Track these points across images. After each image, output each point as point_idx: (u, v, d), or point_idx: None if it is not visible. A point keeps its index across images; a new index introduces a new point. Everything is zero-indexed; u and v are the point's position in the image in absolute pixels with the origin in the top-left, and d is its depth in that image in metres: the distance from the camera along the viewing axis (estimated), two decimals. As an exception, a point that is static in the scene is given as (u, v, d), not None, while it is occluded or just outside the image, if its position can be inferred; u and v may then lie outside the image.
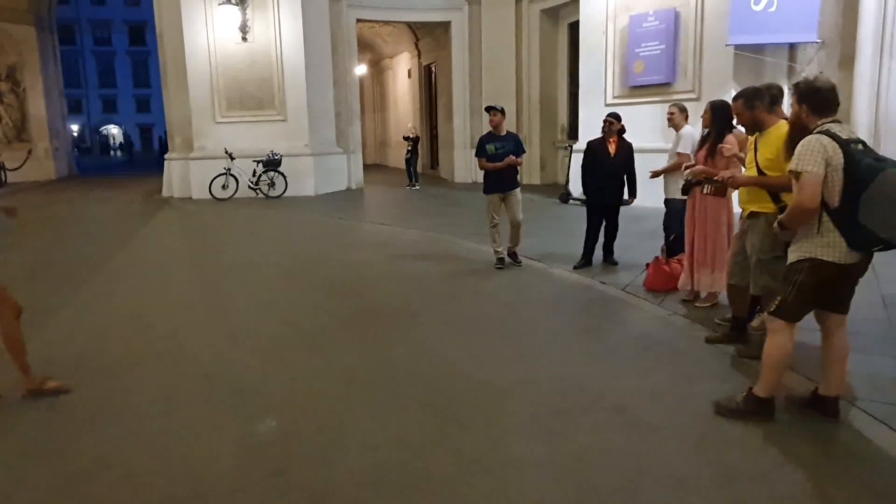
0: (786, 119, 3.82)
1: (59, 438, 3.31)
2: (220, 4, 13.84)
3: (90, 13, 52.14)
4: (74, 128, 43.24)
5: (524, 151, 7.11)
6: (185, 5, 13.99)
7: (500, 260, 6.98)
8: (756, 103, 3.79)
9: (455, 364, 4.26)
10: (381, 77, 26.02)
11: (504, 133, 6.94)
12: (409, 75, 22.25)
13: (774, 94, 4.08)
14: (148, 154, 47.00)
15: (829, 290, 3.22)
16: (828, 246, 3.07)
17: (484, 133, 7.11)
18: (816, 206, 3.02)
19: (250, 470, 2.97)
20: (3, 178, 19.72)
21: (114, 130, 57.43)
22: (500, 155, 6.79)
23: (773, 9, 9.11)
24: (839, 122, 3.15)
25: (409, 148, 15.88)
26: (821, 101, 3.19)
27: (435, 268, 7.21)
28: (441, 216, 11.04)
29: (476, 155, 7.11)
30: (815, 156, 2.99)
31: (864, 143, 3.07)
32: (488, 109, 7.00)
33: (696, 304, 5.32)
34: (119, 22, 53.51)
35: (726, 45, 9.57)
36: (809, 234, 3.12)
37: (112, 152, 55.13)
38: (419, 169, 16.67)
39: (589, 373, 4.07)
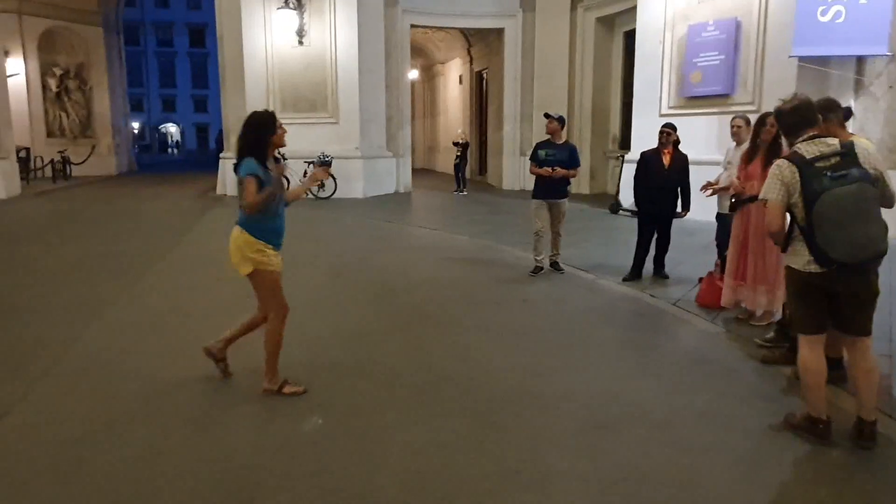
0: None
1: (115, 426, 3.41)
2: (278, 9, 14.16)
3: (154, 15, 54.11)
4: (135, 125, 44.86)
5: (578, 164, 6.99)
6: (245, 9, 14.36)
7: (537, 269, 6.99)
8: (830, 115, 3.65)
9: (498, 372, 4.22)
10: (432, 82, 26.19)
11: (561, 142, 6.90)
12: (461, 81, 22.33)
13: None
14: (203, 152, 48.44)
15: (817, 303, 3.23)
16: (795, 254, 3.23)
17: (542, 140, 7.12)
18: (780, 229, 3.22)
19: (295, 467, 2.99)
20: (68, 171, 20.61)
21: (172, 129, 59.40)
22: (549, 162, 6.75)
23: (840, 20, 8.79)
24: (818, 136, 3.21)
25: (459, 153, 15.91)
26: (785, 123, 3.38)
27: (480, 274, 7.18)
28: (488, 223, 11.00)
29: (530, 159, 7.11)
30: (774, 183, 3.17)
31: (842, 156, 3.08)
32: (546, 116, 6.98)
33: (751, 323, 5.15)
34: (180, 24, 55.36)
35: (790, 57, 9.27)
36: (789, 244, 3.27)
37: (169, 150, 57.03)
38: (467, 175, 16.68)
39: (635, 387, 3.97)
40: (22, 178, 16.71)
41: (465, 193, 15.65)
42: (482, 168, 20.11)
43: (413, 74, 21.76)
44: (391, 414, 3.58)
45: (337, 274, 7.29)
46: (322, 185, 14.15)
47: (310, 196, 14.10)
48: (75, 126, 23.06)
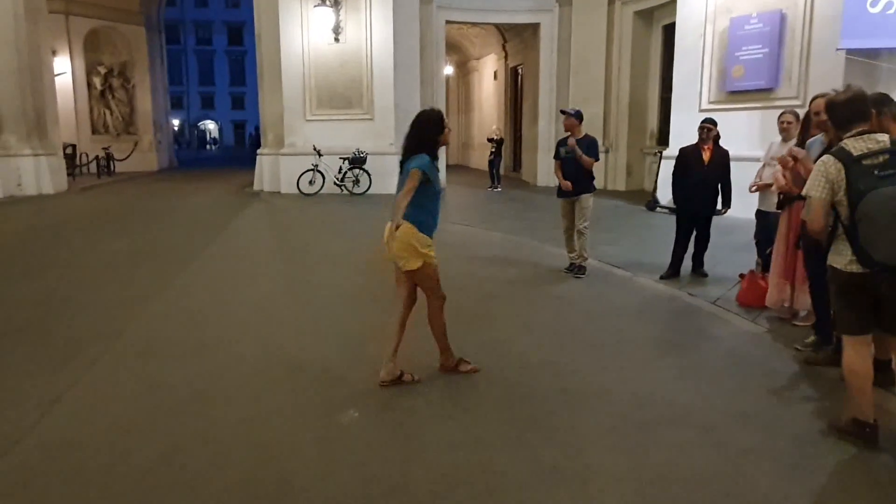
0: None
1: (158, 415, 3.51)
2: (315, 7, 14.29)
3: (194, 14, 55.19)
4: (175, 122, 45.79)
5: (596, 158, 6.79)
6: (282, 8, 14.53)
7: (572, 266, 6.87)
8: (883, 109, 3.54)
9: (533, 368, 4.21)
10: (466, 78, 26.14)
11: (580, 136, 6.76)
12: (495, 77, 22.24)
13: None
14: (240, 149, 49.29)
15: (861, 303, 3.14)
16: (837, 253, 3.17)
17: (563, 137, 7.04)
18: (822, 227, 3.15)
19: (333, 459, 3.04)
20: (112, 167, 21.19)
21: (210, 126, 60.57)
22: (568, 159, 6.69)
23: (892, 11, 8.48)
24: (868, 131, 3.11)
25: (493, 150, 15.86)
26: (837, 115, 3.27)
27: (515, 270, 7.16)
28: (522, 219, 10.95)
29: (554, 157, 7.06)
30: (819, 179, 3.10)
31: (892, 154, 2.99)
32: (562, 112, 6.97)
33: (794, 323, 5.02)
34: (219, 23, 56.35)
35: (837, 50, 8.99)
36: (832, 242, 3.20)
37: (207, 146, 58.16)
38: (501, 171, 16.61)
39: (674, 387, 3.92)
40: (68, 174, 17.23)
41: (500, 190, 15.60)
42: (516, 164, 20.01)
43: (448, 70, 21.75)
44: (426, 408, 3.60)
45: (367, 270, 7.33)
46: (357, 181, 14.27)
47: (344, 192, 14.25)
48: (119, 123, 23.68)
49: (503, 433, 3.30)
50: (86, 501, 2.71)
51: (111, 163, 21.17)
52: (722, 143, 6.56)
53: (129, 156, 22.50)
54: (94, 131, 23.01)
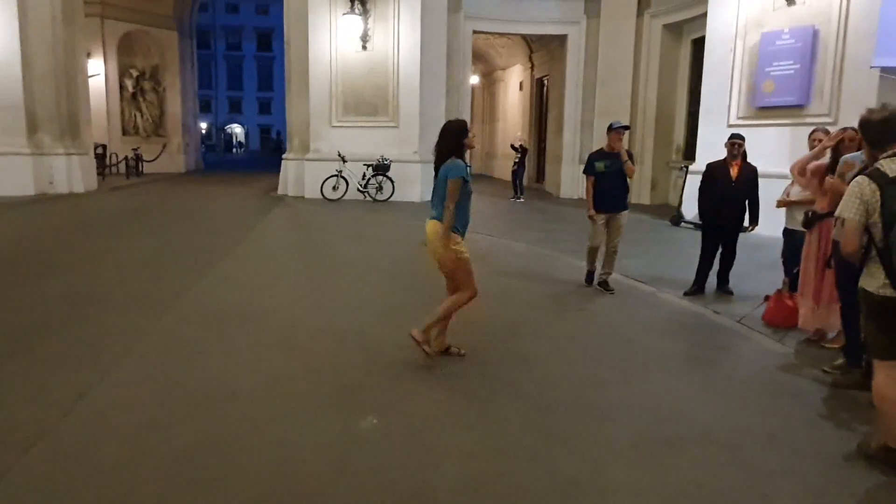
0: None
1: (179, 413, 3.54)
2: (344, 14, 14.44)
3: (224, 20, 56.04)
4: (203, 126, 46.48)
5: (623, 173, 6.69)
6: (312, 15, 14.70)
7: (590, 275, 6.76)
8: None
9: (555, 380, 4.18)
10: (492, 88, 26.20)
11: (617, 151, 6.59)
12: (521, 87, 22.26)
13: None
14: (266, 153, 49.89)
15: (893, 327, 3.07)
16: (870, 276, 3.11)
17: (594, 150, 6.82)
18: (856, 249, 3.09)
19: (351, 464, 3.03)
20: (141, 168, 21.55)
21: (237, 129, 61.37)
22: (608, 174, 6.48)
23: (928, 29, 8.35)
24: None
25: (517, 160, 15.84)
26: (871, 134, 3.22)
27: (537, 282, 7.12)
28: (545, 230, 10.91)
29: (584, 172, 6.72)
30: (853, 201, 3.04)
31: None
32: (619, 129, 6.50)
33: (823, 345, 4.93)
34: (249, 28, 57.15)
35: (871, 67, 8.86)
36: (864, 264, 3.14)
37: (234, 150, 58.92)
38: (525, 182, 16.59)
39: (698, 405, 3.86)
40: (98, 174, 17.57)
41: (523, 200, 15.57)
42: (540, 175, 19.98)
43: (473, 80, 21.81)
44: (446, 417, 3.58)
45: (393, 275, 7.36)
46: (380, 188, 14.34)
47: (367, 199, 14.33)
48: (148, 125, 24.10)
49: (523, 444, 3.28)
50: (109, 498, 2.73)
51: (140, 164, 21.54)
52: (750, 159, 6.48)
53: (157, 157, 22.88)
54: (125, 132, 23.44)
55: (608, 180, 6.51)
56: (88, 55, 19.17)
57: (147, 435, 3.27)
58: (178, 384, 3.94)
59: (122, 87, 23.30)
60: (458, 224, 4.22)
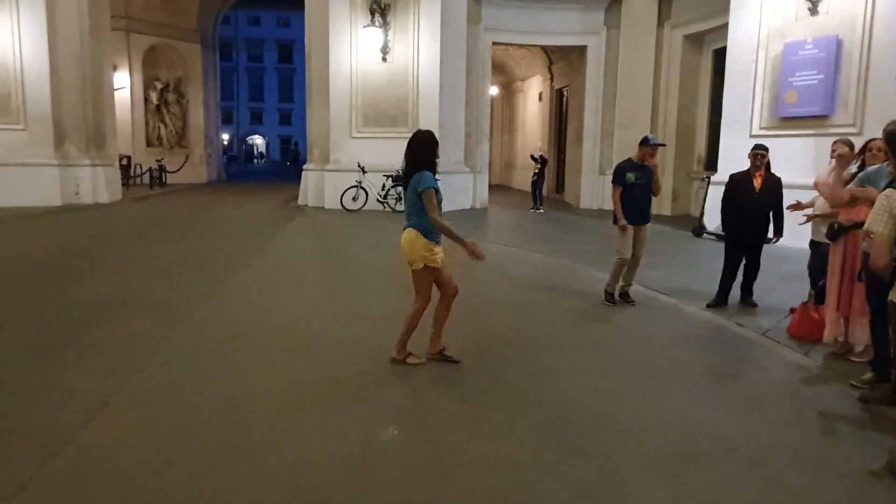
0: None
1: (200, 421, 3.56)
2: (364, 27, 14.58)
3: (246, 32, 56.92)
4: (225, 137, 47.15)
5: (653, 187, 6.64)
6: (333, 27, 14.86)
7: (612, 296, 6.53)
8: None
9: (574, 393, 4.14)
10: (511, 99, 26.24)
11: (646, 164, 6.48)
12: (540, 98, 22.27)
13: None
14: (286, 163, 50.43)
15: None
16: None
17: (623, 160, 6.67)
18: (886, 264, 3.09)
19: (372, 475, 3.03)
20: (164, 179, 21.88)
21: (258, 140, 62.10)
22: (638, 185, 6.40)
23: (956, 38, 8.21)
24: None
25: (537, 170, 15.81)
26: None
27: (556, 293, 7.08)
28: (565, 241, 10.86)
29: (613, 182, 6.54)
30: (882, 214, 3.07)
31: None
32: (654, 145, 6.37)
33: (850, 359, 4.83)
34: (270, 41, 57.96)
35: (896, 77, 8.74)
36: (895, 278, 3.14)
37: (255, 160, 59.62)
38: (544, 192, 16.56)
39: (721, 419, 3.79)
40: (123, 184, 17.89)
41: (542, 211, 15.53)
42: (559, 186, 19.93)
43: (493, 91, 21.87)
44: (465, 429, 3.56)
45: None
46: (400, 199, 14.39)
47: (387, 209, 14.38)
48: (172, 136, 24.50)
49: (543, 457, 3.24)
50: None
51: (163, 174, 21.88)
52: (773, 170, 6.40)
53: (180, 168, 23.23)
54: (149, 144, 23.84)
55: (636, 192, 6.42)
56: (114, 68, 19.56)
57: (169, 442, 3.29)
58: (199, 392, 3.97)
59: (146, 100, 23.73)
60: (434, 232, 4.30)
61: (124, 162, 19.79)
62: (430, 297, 4.48)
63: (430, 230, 4.27)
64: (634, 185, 6.40)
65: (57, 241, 10.13)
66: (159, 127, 24.23)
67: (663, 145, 6.63)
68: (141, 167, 21.47)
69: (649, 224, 6.64)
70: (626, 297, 6.61)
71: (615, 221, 6.52)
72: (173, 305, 6.07)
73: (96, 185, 15.57)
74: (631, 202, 6.43)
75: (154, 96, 23.85)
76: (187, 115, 24.93)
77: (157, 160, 22.16)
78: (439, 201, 4.27)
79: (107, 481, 2.93)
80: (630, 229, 6.45)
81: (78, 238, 10.54)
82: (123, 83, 22.10)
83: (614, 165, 6.86)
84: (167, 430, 3.43)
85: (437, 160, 4.38)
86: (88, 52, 15.27)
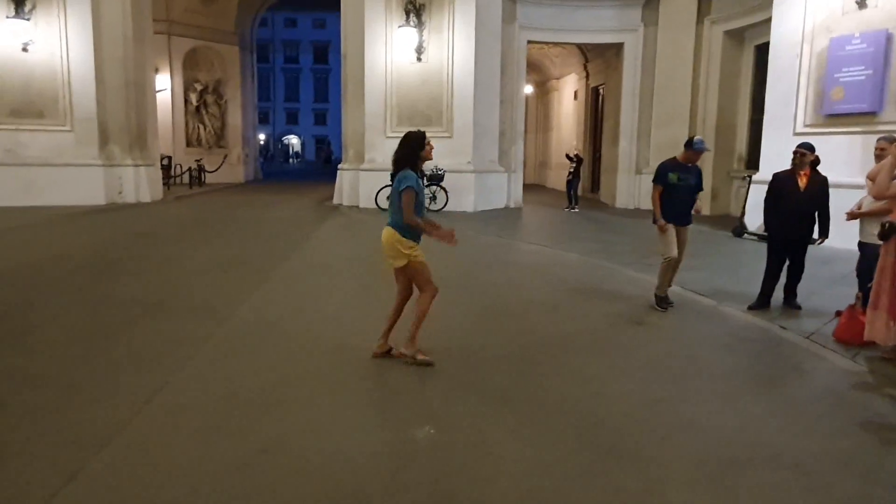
0: None
1: (241, 419, 3.62)
2: (399, 27, 14.65)
3: (282, 34, 57.69)
4: (261, 137, 47.84)
5: (702, 189, 6.49)
6: (368, 28, 14.97)
7: (664, 300, 6.31)
8: None
9: (612, 396, 4.08)
10: (546, 98, 26.06)
11: (690, 165, 6.33)
12: (575, 97, 22.07)
13: None
14: (320, 163, 51.06)
15: None
16: None
17: (667, 159, 6.48)
18: None
19: (408, 474, 3.04)
20: (203, 178, 22.33)
21: (294, 140, 62.92)
22: (681, 187, 6.21)
23: None
24: None
25: (572, 170, 15.67)
26: None
27: (593, 294, 7.00)
28: (600, 241, 10.73)
29: (655, 181, 6.35)
30: None
31: None
32: (698, 150, 6.19)
33: (900, 363, 4.67)
34: (306, 42, 58.65)
35: (949, 72, 8.41)
36: None
37: (290, 160, 60.44)
38: (579, 192, 16.41)
39: (763, 425, 3.70)
40: (164, 184, 18.32)
41: (577, 211, 15.38)
42: (594, 185, 19.72)
43: (527, 90, 21.74)
44: (502, 431, 3.55)
45: (445, 286, 7.32)
46: (434, 198, 14.42)
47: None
48: (210, 137, 25.00)
49: (581, 460, 3.21)
50: (174, 498, 2.81)
51: (202, 174, 22.33)
52: (819, 168, 6.22)
53: (218, 168, 23.68)
54: (189, 144, 24.37)
55: (679, 192, 6.24)
56: (156, 70, 20.04)
57: (210, 439, 3.36)
58: (238, 390, 4.03)
59: (186, 101, 24.26)
60: (413, 232, 4.40)
61: (165, 162, 20.25)
62: (435, 286, 4.58)
63: (408, 227, 4.37)
64: (676, 186, 6.23)
65: (100, 240, 10.41)
66: (198, 127, 24.75)
67: (708, 150, 6.41)
68: (181, 167, 21.95)
69: (690, 226, 6.46)
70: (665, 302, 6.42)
71: (655, 221, 6.35)
72: (213, 304, 6.18)
73: (139, 184, 15.97)
74: (671, 202, 6.25)
75: (194, 98, 24.36)
76: (226, 116, 25.40)
77: (197, 160, 22.63)
78: (420, 201, 4.39)
79: (151, 473, 3.00)
80: (671, 229, 6.28)
81: (122, 237, 10.82)
82: (165, 85, 22.62)
83: (650, 163, 6.73)
84: (207, 427, 3.50)
85: (424, 160, 4.48)
86: (131, 56, 15.67)
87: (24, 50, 14.33)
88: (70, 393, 3.92)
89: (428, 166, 14.20)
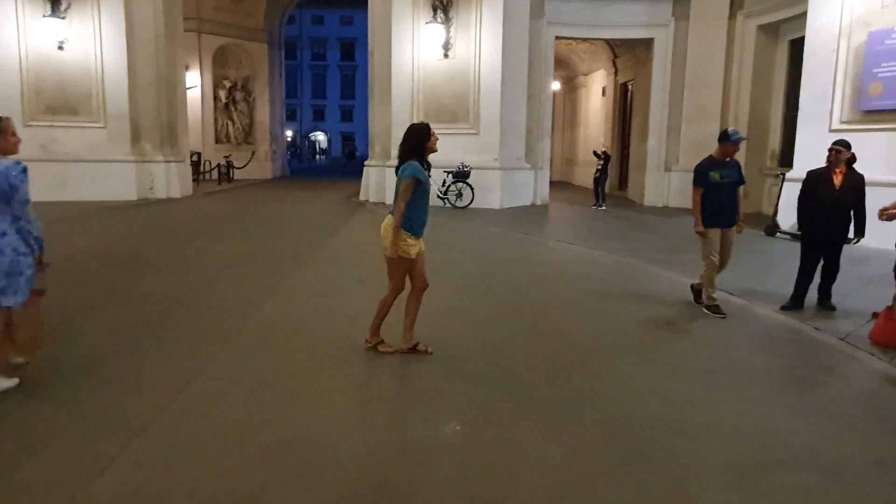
0: None
1: (269, 411, 3.66)
2: (426, 23, 14.64)
3: (310, 31, 58.15)
4: (288, 133, 48.33)
5: (744, 182, 6.20)
6: (395, 24, 14.98)
7: (717, 307, 5.94)
8: None
9: (639, 395, 4.03)
10: (573, 94, 25.86)
11: (728, 159, 6.04)
12: (603, 93, 21.86)
13: None
14: (349, 160, 51.42)
15: None
16: None
17: (703, 159, 6.17)
18: None
19: (434, 469, 3.04)
20: (231, 174, 22.62)
21: (320, 137, 63.42)
22: (724, 185, 5.93)
23: None
24: None
25: (600, 167, 15.53)
26: None
27: (620, 293, 6.92)
28: (628, 239, 10.62)
29: (695, 183, 6.01)
30: None
31: None
32: (736, 141, 5.93)
33: (939, 367, 4.53)
34: (333, 39, 59.04)
35: None
36: None
37: (317, 157, 60.95)
38: (607, 189, 16.26)
39: (796, 427, 3.62)
40: (193, 180, 18.61)
41: (605, 208, 15.24)
42: (622, 183, 19.51)
43: (554, 86, 21.58)
44: (527, 428, 3.53)
45: (471, 283, 7.35)
46: (460, 195, 14.41)
47: (447, 205, 14.42)
48: (239, 133, 25.31)
49: (608, 460, 3.18)
50: (207, 487, 2.85)
51: (231, 170, 22.62)
52: (855, 165, 6.05)
53: (246, 164, 23.97)
54: (217, 140, 24.71)
55: (722, 191, 5.92)
56: (187, 68, 20.33)
57: (241, 429, 3.40)
58: (268, 383, 4.08)
59: (215, 98, 24.60)
60: (415, 224, 4.39)
61: (194, 158, 20.56)
62: (403, 286, 4.59)
63: (410, 221, 4.34)
64: (719, 185, 5.91)
65: (132, 234, 10.61)
66: (227, 124, 25.07)
67: (746, 139, 6.13)
68: (210, 163, 22.26)
69: (735, 225, 6.12)
70: (698, 295, 6.27)
71: (706, 223, 5.99)
72: (242, 299, 6.25)
73: (169, 180, 16.24)
74: (714, 203, 5.93)
75: (223, 95, 24.69)
76: (254, 113, 25.69)
77: (225, 156, 22.93)
78: (425, 191, 4.39)
79: (183, 463, 3.05)
80: (716, 232, 5.99)
81: (153, 232, 11.02)
82: (195, 82, 22.94)
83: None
84: (238, 418, 3.54)
85: (430, 152, 4.46)
86: (163, 54, 15.92)
87: (60, 48, 14.67)
88: (103, 384, 3.99)
89: (454, 163, 14.27)
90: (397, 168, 4.42)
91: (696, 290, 6.33)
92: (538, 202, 16.07)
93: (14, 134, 3.86)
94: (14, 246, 3.74)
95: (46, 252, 4.05)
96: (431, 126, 4.63)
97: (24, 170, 3.76)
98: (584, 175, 20.35)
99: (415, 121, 15.31)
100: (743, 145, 14.71)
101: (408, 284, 4.64)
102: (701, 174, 5.99)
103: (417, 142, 4.38)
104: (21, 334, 3.87)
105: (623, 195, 18.70)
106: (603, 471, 3.07)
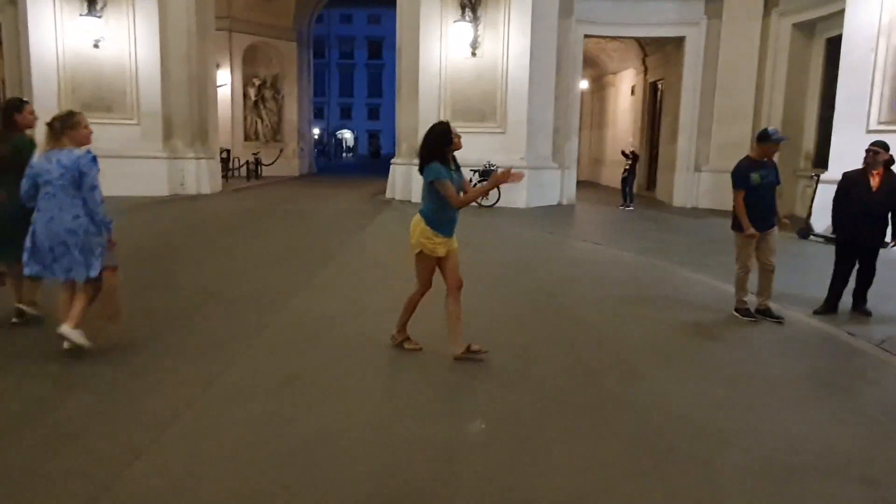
0: None
1: (295, 406, 3.69)
2: (454, 22, 14.63)
3: (338, 30, 58.54)
4: (316, 131, 48.73)
5: (779, 182, 5.97)
6: (423, 23, 14.99)
7: (747, 311, 5.82)
8: None
9: (669, 398, 3.98)
10: (601, 93, 25.63)
11: (766, 160, 5.81)
12: (633, 92, 21.63)
13: None
14: (373, 157, 51.72)
15: None
16: None
17: (741, 159, 5.92)
18: None
19: (460, 468, 3.03)
20: (259, 172, 22.89)
21: (347, 135, 63.82)
22: (764, 186, 5.71)
23: None
24: None
25: (627, 167, 15.38)
26: None
27: (649, 295, 6.84)
28: (656, 241, 10.50)
29: (736, 186, 5.75)
30: None
31: None
32: (776, 141, 5.71)
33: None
34: (361, 38, 59.36)
35: None
36: None
37: (344, 154, 61.38)
38: (634, 189, 16.09)
39: (829, 433, 3.54)
40: (223, 177, 18.88)
41: (632, 208, 15.09)
42: (650, 183, 19.28)
43: (583, 85, 21.41)
44: (554, 428, 3.50)
45: (497, 283, 7.32)
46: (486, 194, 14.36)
47: (473, 204, 14.36)
48: (267, 131, 25.60)
49: (635, 462, 3.14)
50: (231, 481, 2.89)
51: (259, 167, 22.90)
52: (894, 168, 5.90)
53: (274, 161, 24.24)
54: (246, 138, 25.03)
55: (762, 193, 5.70)
56: (217, 66, 20.62)
57: (266, 425, 3.43)
58: (292, 379, 4.10)
59: (245, 96, 24.91)
60: (443, 223, 4.37)
61: (224, 155, 20.85)
62: (430, 284, 4.58)
63: (434, 219, 4.35)
64: (759, 186, 5.69)
65: (163, 230, 10.80)
66: (256, 122, 25.36)
67: (787, 139, 5.92)
68: (239, 160, 22.54)
69: (776, 228, 5.90)
70: (767, 313, 5.79)
71: (735, 227, 5.82)
72: (269, 295, 6.31)
73: (200, 177, 16.47)
74: (754, 206, 5.66)
75: (252, 93, 24.98)
76: (282, 111, 25.95)
77: (254, 154, 23.21)
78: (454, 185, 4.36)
79: (210, 457, 3.09)
80: (756, 236, 5.75)
81: (182, 227, 11.20)
82: (225, 80, 23.25)
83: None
84: (264, 414, 3.57)
85: (453, 150, 4.41)
86: (195, 52, 16.16)
87: (96, 46, 14.98)
88: (134, 376, 4.06)
89: (480, 161, 14.24)
90: (420, 169, 4.41)
91: (766, 309, 5.84)
92: (564, 202, 15.97)
93: (86, 126, 4.37)
94: (85, 227, 4.19)
95: (113, 233, 4.36)
96: (458, 125, 4.60)
97: (94, 159, 4.20)
98: (612, 175, 20.18)
99: (441, 119, 15.37)
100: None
101: (439, 284, 4.59)
102: (741, 176, 5.76)
103: (437, 142, 4.36)
104: (103, 305, 4.40)
105: (651, 195, 18.49)
106: (631, 473, 3.04)
